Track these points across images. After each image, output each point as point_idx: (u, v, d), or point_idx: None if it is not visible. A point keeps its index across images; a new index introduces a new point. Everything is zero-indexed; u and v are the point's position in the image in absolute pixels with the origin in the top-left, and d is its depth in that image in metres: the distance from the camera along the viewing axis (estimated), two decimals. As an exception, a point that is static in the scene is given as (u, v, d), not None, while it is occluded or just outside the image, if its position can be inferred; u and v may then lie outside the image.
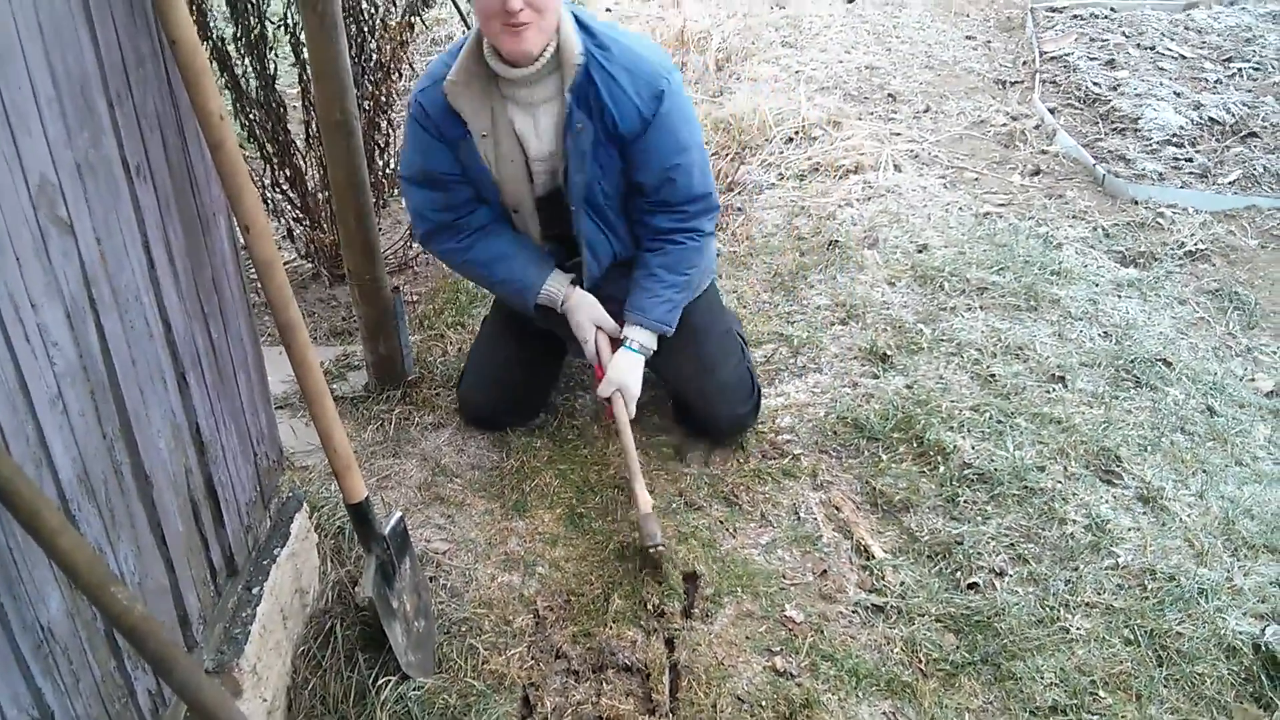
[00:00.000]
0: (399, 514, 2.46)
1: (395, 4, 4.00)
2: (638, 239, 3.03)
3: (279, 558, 2.29)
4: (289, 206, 4.01)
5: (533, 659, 2.49)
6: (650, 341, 2.98)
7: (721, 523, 2.95)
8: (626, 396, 2.94)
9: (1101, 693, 2.43)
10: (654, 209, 2.92)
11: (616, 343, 2.99)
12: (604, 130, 2.75)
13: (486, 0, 2.54)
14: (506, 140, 2.81)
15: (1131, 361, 3.60)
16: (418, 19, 4.07)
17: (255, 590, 2.18)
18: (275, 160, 3.90)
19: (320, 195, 3.94)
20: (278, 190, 3.96)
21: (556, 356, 3.37)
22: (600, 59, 2.69)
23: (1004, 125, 5.65)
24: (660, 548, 2.66)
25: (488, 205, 2.99)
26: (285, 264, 3.91)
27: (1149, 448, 3.22)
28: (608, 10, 7.51)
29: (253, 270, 2.05)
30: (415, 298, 3.98)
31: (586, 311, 2.99)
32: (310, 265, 4.10)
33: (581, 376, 3.55)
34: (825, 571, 2.79)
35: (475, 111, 2.75)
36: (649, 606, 2.63)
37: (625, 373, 2.94)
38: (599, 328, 3.00)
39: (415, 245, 4.17)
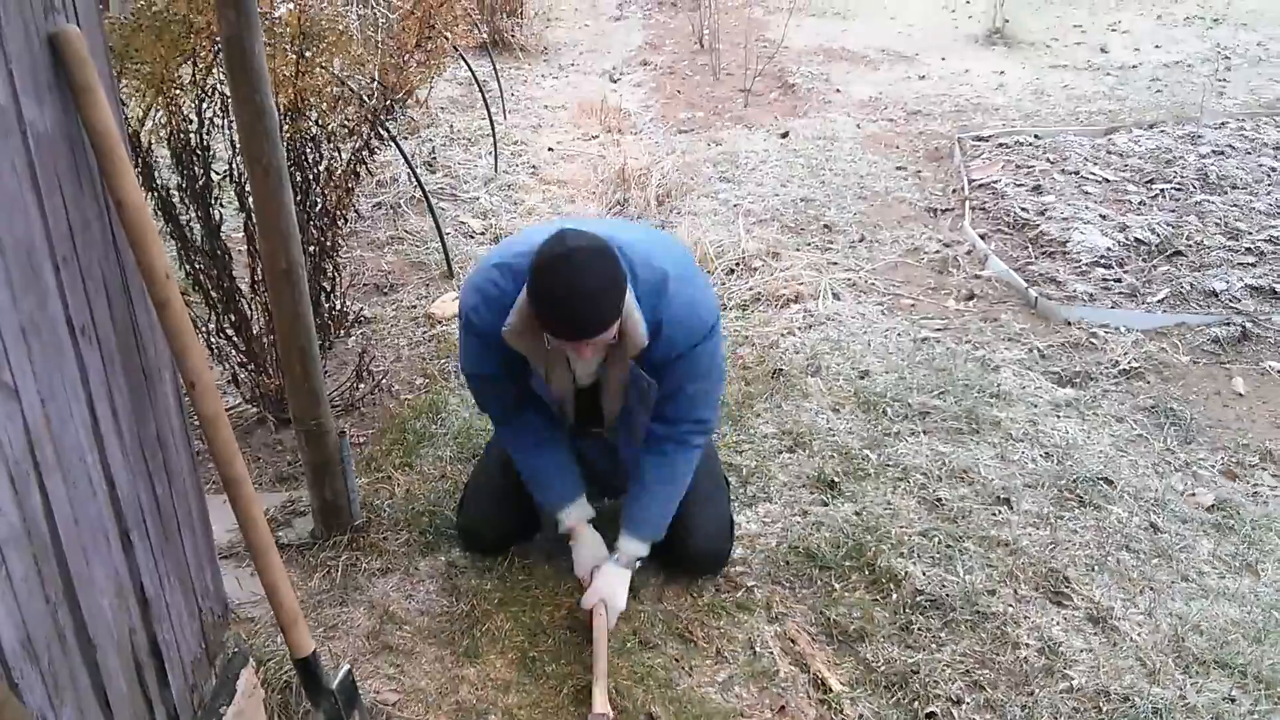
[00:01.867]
0: (347, 666, 2.42)
1: (340, 152, 4.07)
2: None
3: (225, 716, 2.23)
4: (234, 352, 4.00)
5: (488, 811, 2.43)
6: (641, 551, 3.04)
7: (677, 660, 2.92)
8: (610, 609, 2.94)
9: (1064, 821, 2.42)
10: (654, 416, 3.00)
11: None
12: (647, 365, 2.86)
13: (557, 344, 2.70)
14: (560, 371, 2.94)
15: (1074, 481, 3.66)
16: (363, 167, 4.14)
17: (201, 752, 2.12)
18: (220, 306, 3.91)
19: (265, 340, 3.94)
20: (222, 336, 3.96)
21: None
22: (656, 315, 2.77)
23: (937, 252, 5.80)
24: None
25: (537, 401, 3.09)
26: (230, 409, 3.90)
27: (1096, 567, 3.26)
28: (550, 150, 7.69)
29: (198, 421, 2.04)
30: (362, 439, 3.96)
31: (590, 551, 3.08)
32: (255, 410, 4.08)
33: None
34: (783, 707, 2.76)
35: (531, 350, 2.84)
36: (606, 752, 2.59)
37: (613, 586, 2.97)
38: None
39: (361, 386, 4.18)
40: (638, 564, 3.06)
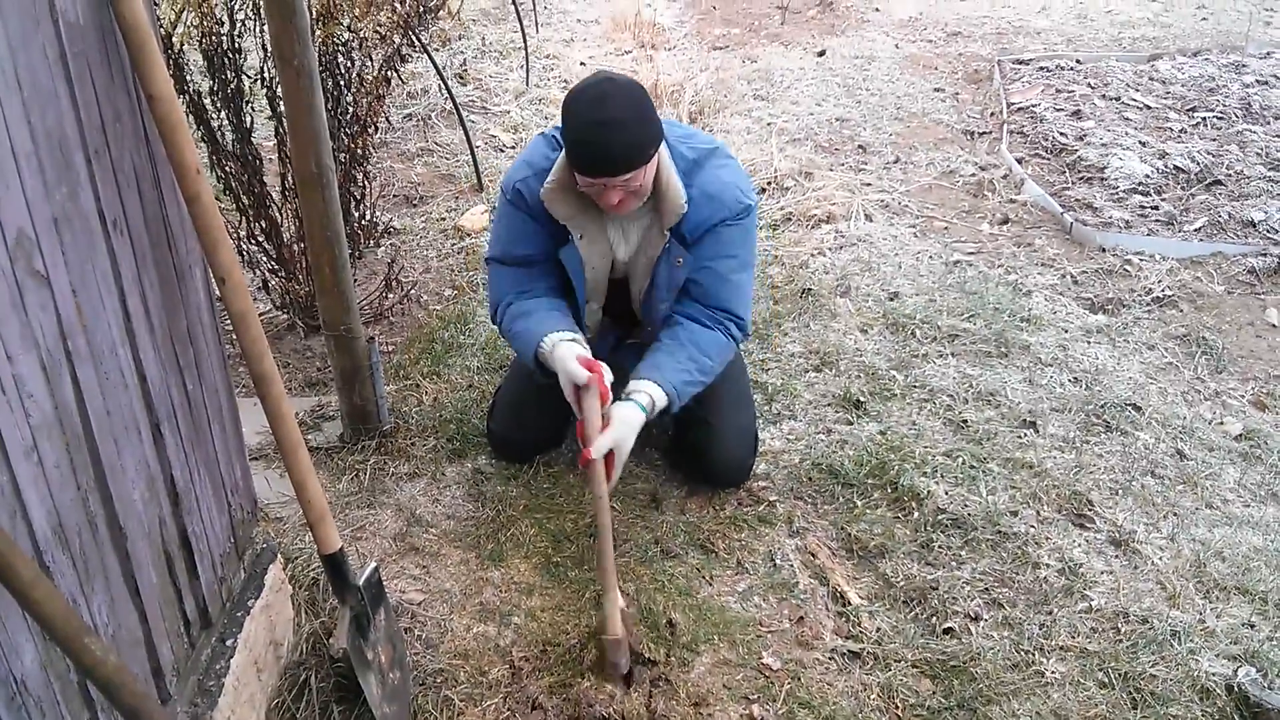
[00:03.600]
0: (373, 565, 2.45)
1: (371, 59, 4.04)
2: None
3: (253, 609, 2.28)
4: (264, 258, 4.01)
5: (509, 710, 2.48)
6: (659, 399, 2.77)
7: (698, 570, 2.95)
8: (619, 458, 2.68)
9: (1077, 736, 2.45)
10: (686, 299, 2.98)
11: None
12: (677, 241, 2.86)
13: (586, 184, 2.66)
14: (599, 240, 2.93)
15: (1101, 406, 3.64)
16: (394, 74, 4.11)
17: (229, 642, 2.17)
18: (251, 212, 3.91)
19: (296, 247, 3.95)
20: (253, 242, 3.97)
21: None
22: (689, 187, 2.79)
23: (973, 175, 5.73)
24: (625, 673, 2.52)
25: (557, 287, 3.02)
26: (260, 315, 3.92)
27: (1120, 491, 3.25)
28: (582, 64, 7.60)
29: (228, 322, 2.06)
30: (390, 348, 3.98)
31: (562, 365, 2.73)
32: (285, 316, 4.11)
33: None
34: (802, 618, 2.79)
35: (571, 215, 2.84)
36: (626, 655, 2.63)
37: (625, 432, 2.68)
38: (579, 388, 2.71)
39: (390, 296, 4.19)
40: (653, 415, 2.77)
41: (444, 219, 5.13)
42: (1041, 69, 7.22)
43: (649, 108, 2.63)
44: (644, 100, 2.62)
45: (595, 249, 2.94)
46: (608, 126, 2.54)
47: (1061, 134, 6.03)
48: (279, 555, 2.49)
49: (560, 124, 2.64)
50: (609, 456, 2.66)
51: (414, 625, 2.71)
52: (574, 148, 2.61)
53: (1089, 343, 4.09)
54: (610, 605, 2.54)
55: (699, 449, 3.18)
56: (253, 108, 3.81)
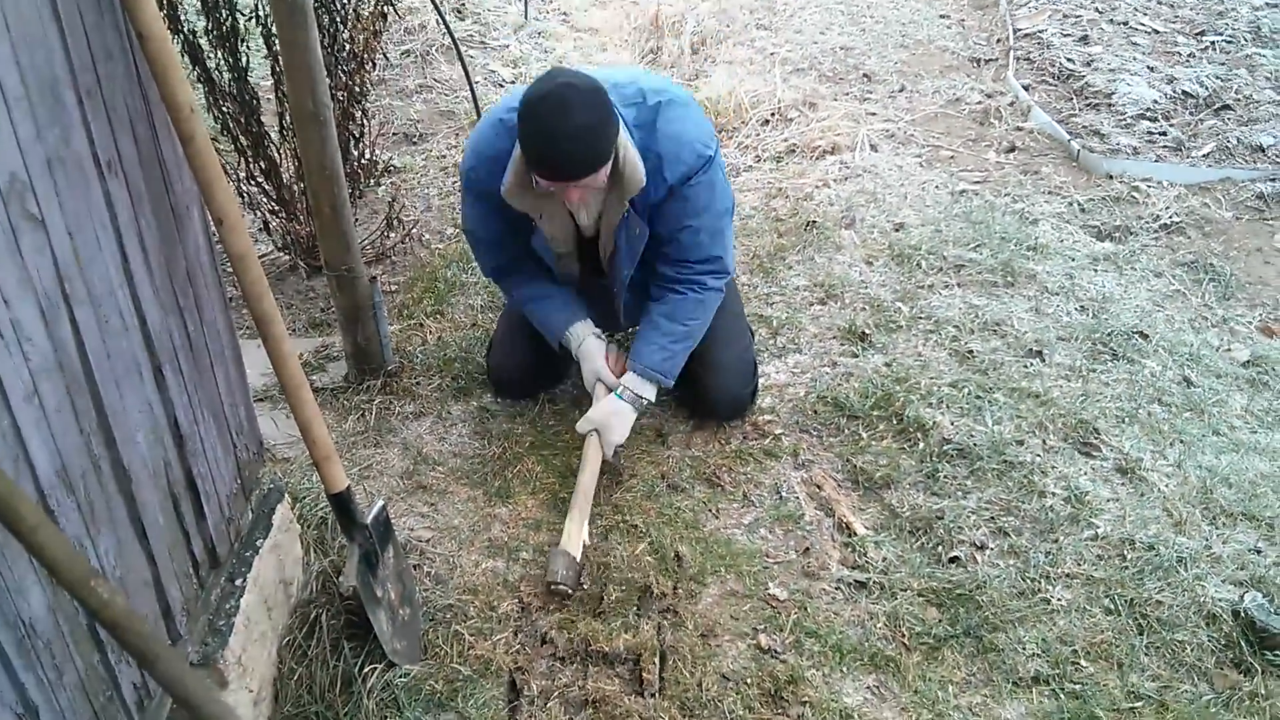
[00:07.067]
0: (381, 502, 2.46)
1: (367, -7, 3.98)
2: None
3: (261, 549, 2.29)
4: (264, 199, 3.99)
5: (519, 644, 2.50)
6: (645, 391, 3.01)
7: (704, 504, 2.96)
8: (605, 441, 2.95)
9: (1083, 662, 2.46)
10: (662, 259, 2.99)
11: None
12: (639, 207, 2.83)
13: (546, 186, 2.64)
14: (559, 215, 2.88)
15: (1108, 335, 3.63)
16: (390, 8, 4.05)
17: (238, 582, 2.18)
18: (250, 153, 3.88)
19: (296, 187, 3.92)
20: (253, 183, 3.94)
21: None
22: (648, 149, 2.75)
23: (979, 103, 5.67)
24: (562, 586, 2.59)
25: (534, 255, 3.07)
26: (262, 256, 3.90)
27: (1127, 419, 3.25)
28: (582, -4, 7.50)
29: (228, 263, 2.04)
30: (393, 287, 3.97)
31: (590, 364, 3.08)
32: (287, 257, 4.09)
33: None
34: (808, 549, 2.81)
35: (531, 206, 2.82)
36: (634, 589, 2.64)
37: (607, 415, 2.97)
38: (599, 380, 3.07)
39: (392, 235, 4.17)
40: (643, 403, 3.02)
41: (444, 156, 5.09)
42: (1048, -7, 7.11)
43: (608, 107, 2.57)
44: (604, 101, 2.55)
45: (557, 225, 2.91)
46: (571, 137, 2.48)
47: (1069, 60, 5.95)
48: (286, 495, 2.50)
49: (518, 126, 2.56)
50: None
51: (423, 562, 2.73)
52: (536, 155, 2.55)
53: (1096, 271, 4.07)
54: (574, 524, 2.73)
55: (696, 383, 3.18)
56: (248, 47, 3.76)
